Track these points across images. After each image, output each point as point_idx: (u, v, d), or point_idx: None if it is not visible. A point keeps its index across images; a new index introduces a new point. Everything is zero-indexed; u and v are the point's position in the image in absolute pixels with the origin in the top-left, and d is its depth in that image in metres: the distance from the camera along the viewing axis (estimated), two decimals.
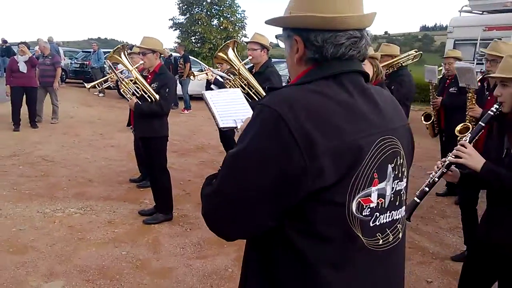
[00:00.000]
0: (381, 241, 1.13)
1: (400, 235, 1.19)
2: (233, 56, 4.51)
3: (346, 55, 1.11)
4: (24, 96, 8.90)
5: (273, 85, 4.49)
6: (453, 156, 2.33)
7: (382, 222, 1.12)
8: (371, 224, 1.10)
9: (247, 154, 1.03)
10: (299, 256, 1.07)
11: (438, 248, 4.29)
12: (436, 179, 2.37)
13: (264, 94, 4.48)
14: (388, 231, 1.14)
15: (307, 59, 1.15)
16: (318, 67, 1.13)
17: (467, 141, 2.38)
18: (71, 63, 18.14)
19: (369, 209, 1.08)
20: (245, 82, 4.46)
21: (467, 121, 4.06)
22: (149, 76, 4.69)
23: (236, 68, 4.48)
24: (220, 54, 4.51)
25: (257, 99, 4.47)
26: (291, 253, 1.08)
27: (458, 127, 3.81)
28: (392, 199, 1.14)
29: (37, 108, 9.53)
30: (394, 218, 1.16)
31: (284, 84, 4.12)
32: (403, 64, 5.02)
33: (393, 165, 1.12)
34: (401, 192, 1.18)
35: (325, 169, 0.99)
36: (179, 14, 33.68)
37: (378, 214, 1.11)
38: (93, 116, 11.49)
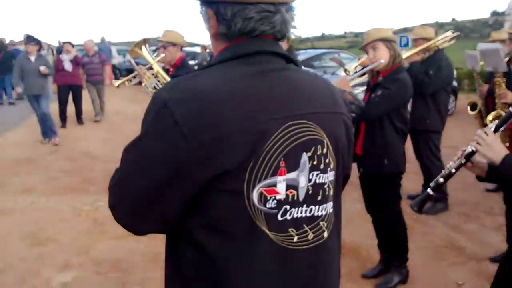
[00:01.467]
0: (296, 238, 1.00)
1: (325, 234, 1.05)
2: None
3: (257, 30, 1.01)
4: (71, 94, 9.23)
5: None
6: (474, 145, 2.04)
7: (296, 216, 0.99)
8: (280, 218, 0.97)
9: (138, 144, 0.98)
10: (203, 253, 0.97)
11: (477, 248, 3.90)
12: (453, 170, 2.08)
13: None
14: (307, 228, 1.01)
15: (218, 35, 1.05)
16: (227, 49, 1.04)
17: (492, 129, 2.07)
18: (124, 61, 18.74)
19: (275, 201, 0.96)
20: None
21: (499, 108, 3.64)
22: (171, 70, 4.65)
23: None
24: None
25: None
26: (195, 250, 0.98)
27: (490, 116, 3.42)
28: (310, 192, 1.00)
29: (94, 105, 10.03)
30: (315, 214, 1.02)
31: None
32: (439, 47, 4.61)
33: (309, 154, 0.99)
34: (325, 186, 1.04)
35: (217, 157, 0.90)
36: None
37: (288, 207, 0.98)
38: (140, 112, 11.73)
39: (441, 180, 2.10)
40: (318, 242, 1.03)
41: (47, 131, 7.94)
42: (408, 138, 3.40)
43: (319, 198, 1.02)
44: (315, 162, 1.00)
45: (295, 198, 0.98)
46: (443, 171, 2.11)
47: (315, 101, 1.03)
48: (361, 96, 3.37)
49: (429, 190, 2.12)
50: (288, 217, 0.97)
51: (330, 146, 1.03)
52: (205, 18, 1.08)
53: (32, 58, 7.84)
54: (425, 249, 3.87)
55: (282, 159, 0.94)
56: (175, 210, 0.97)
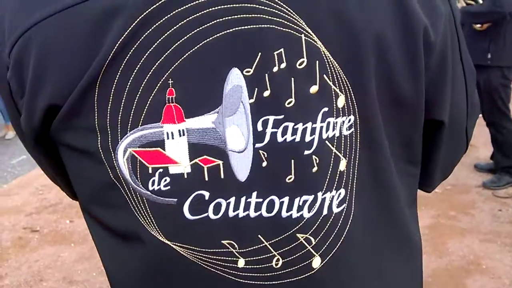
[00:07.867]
0: (242, 261, 0.45)
1: (316, 262, 0.46)
2: None
3: None
4: None
5: None
6: None
7: (234, 216, 0.44)
8: (191, 216, 0.43)
9: None
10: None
11: None
12: None
13: None
14: (266, 243, 0.45)
15: None
16: None
17: None
18: None
19: (166, 179, 0.42)
20: None
21: None
22: None
23: None
24: None
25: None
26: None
27: None
28: (265, 164, 0.43)
29: None
30: (282, 215, 0.45)
31: None
32: None
33: (251, 71, 0.41)
34: (308, 152, 0.44)
35: (24, 75, 0.43)
36: None
37: (208, 194, 0.43)
38: None
39: None
40: (303, 276, 0.46)
41: None
42: None
43: (289, 179, 0.44)
44: (267, 93, 0.42)
45: (222, 175, 0.43)
46: None
47: None
48: None
49: None
50: (212, 215, 0.44)
51: (326, 52, 0.43)
52: None
53: None
54: None
55: (170, 82, 0.41)
56: (48, 170, 0.56)
